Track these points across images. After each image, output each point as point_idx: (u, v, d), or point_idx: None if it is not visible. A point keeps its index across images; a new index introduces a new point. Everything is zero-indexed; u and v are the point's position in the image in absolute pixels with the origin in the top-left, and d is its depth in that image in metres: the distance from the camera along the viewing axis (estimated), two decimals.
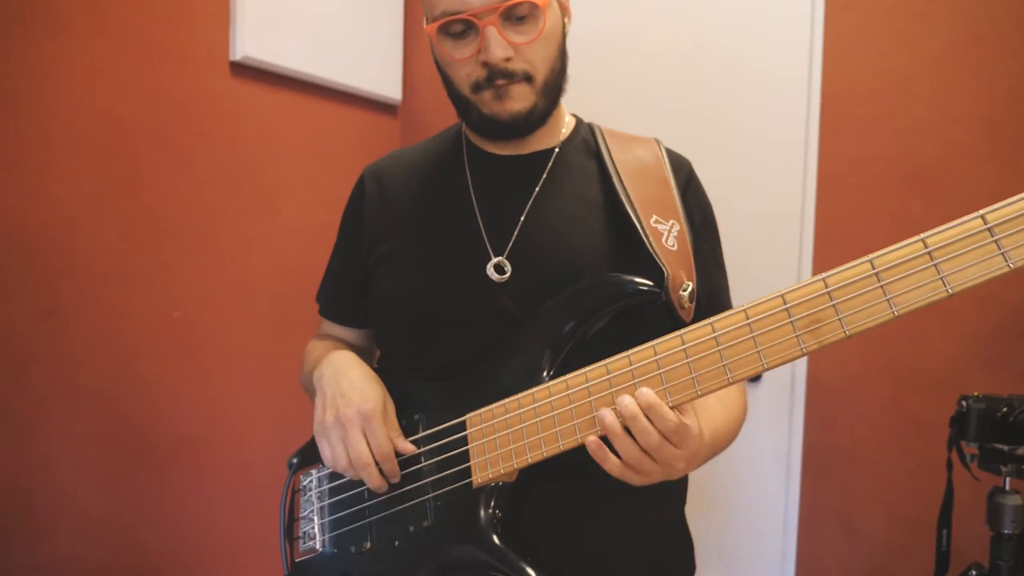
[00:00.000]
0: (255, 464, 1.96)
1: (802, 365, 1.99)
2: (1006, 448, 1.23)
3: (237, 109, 1.95)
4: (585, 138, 1.04)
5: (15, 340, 1.46)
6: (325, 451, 0.89)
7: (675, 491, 1.02)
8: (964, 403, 1.28)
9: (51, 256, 1.52)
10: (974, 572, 1.28)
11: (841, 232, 1.92)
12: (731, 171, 2.01)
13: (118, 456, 1.64)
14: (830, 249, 1.93)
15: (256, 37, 1.94)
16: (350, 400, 0.88)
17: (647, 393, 0.74)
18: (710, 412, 0.90)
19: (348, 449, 0.86)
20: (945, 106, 1.80)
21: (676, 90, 2.11)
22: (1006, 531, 1.25)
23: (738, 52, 2.04)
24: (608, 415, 0.75)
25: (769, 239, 2.00)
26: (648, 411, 0.74)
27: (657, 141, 1.04)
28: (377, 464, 0.87)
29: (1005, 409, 1.23)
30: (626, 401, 0.74)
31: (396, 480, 0.88)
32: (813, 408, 1.99)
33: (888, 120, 1.86)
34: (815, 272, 1.92)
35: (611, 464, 0.76)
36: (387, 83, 2.43)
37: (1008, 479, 1.25)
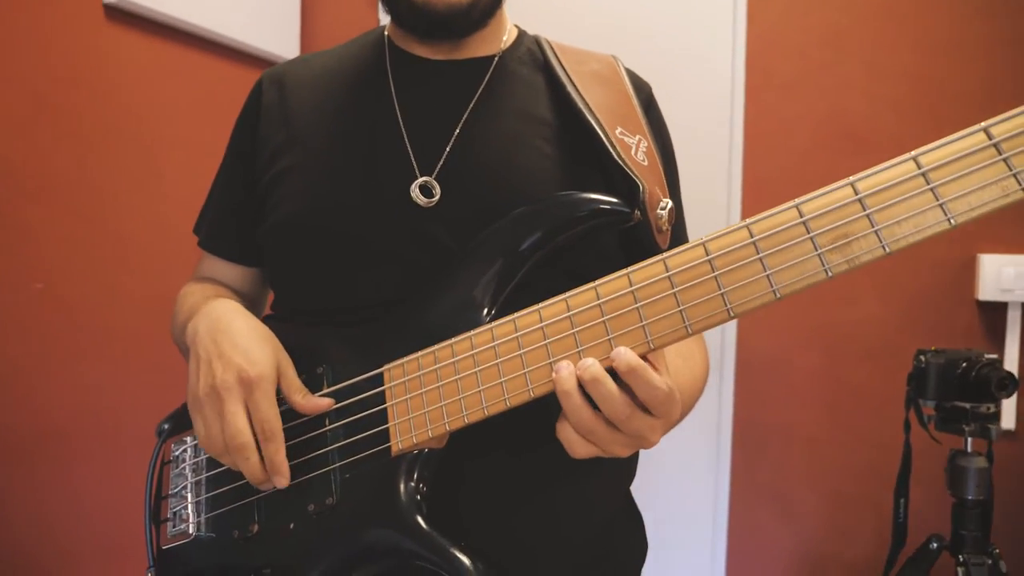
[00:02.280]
0: (130, 457, 1.71)
1: (731, 335, 1.90)
2: (968, 406, 1.14)
3: (111, 58, 1.70)
4: (531, 48, 0.88)
5: None
6: (199, 427, 0.69)
7: (629, 464, 0.87)
8: (922, 358, 1.19)
9: None
10: (935, 544, 1.19)
11: (770, 193, 1.84)
12: None
13: None
14: (758, 208, 1.85)
15: None
16: (230, 362, 0.68)
17: (625, 353, 0.57)
18: (674, 367, 0.73)
19: (224, 427, 0.66)
20: (873, 61, 1.74)
21: (596, 46, 1.99)
22: (969, 497, 1.16)
23: (662, 13, 1.93)
24: (565, 367, 0.59)
25: (696, 202, 1.89)
26: (628, 375, 0.57)
27: (615, 57, 0.90)
28: (259, 447, 0.67)
29: (965, 364, 1.14)
30: (588, 363, 0.58)
31: (282, 475, 0.67)
32: (743, 381, 1.90)
33: (816, 77, 1.79)
34: None
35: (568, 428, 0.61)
36: (283, 42, 2.21)
37: (970, 440, 1.17)
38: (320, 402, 0.69)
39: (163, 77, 1.85)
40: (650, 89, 0.91)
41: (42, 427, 1.55)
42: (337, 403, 0.69)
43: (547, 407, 0.62)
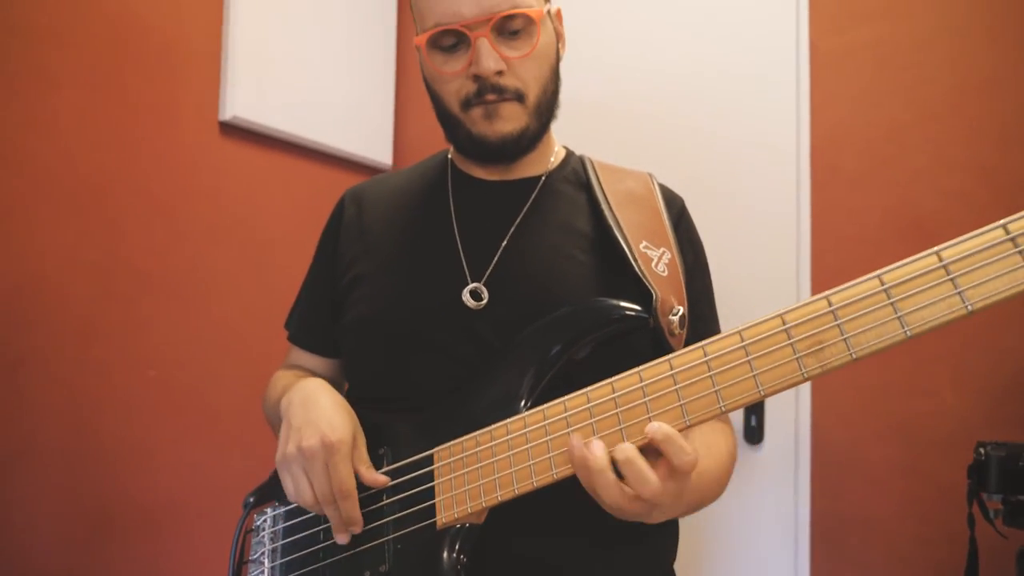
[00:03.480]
0: (230, 527, 1.84)
1: (805, 426, 1.90)
2: None
3: (224, 168, 1.93)
4: (575, 168, 1.00)
5: None
6: (287, 484, 0.81)
7: (665, 545, 0.92)
8: (982, 450, 1.19)
9: (20, 307, 1.46)
10: None
11: (840, 283, 1.86)
12: (724, 227, 1.97)
13: (82, 522, 1.54)
14: None
15: (246, 98, 1.93)
16: (317, 429, 0.79)
17: (660, 426, 0.65)
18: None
19: (312, 483, 0.78)
20: (940, 154, 1.77)
21: (663, 150, 2.09)
22: None
23: (725, 108, 2.03)
24: (598, 446, 0.66)
25: (766, 294, 1.94)
26: (663, 443, 0.64)
27: (650, 175, 1.00)
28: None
29: None
30: (626, 446, 0.65)
31: (356, 524, 0.79)
32: (819, 473, 1.88)
33: (882, 171, 1.83)
34: None
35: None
36: (378, 147, 2.42)
37: None
38: (380, 477, 0.79)
39: (268, 183, 2.06)
40: (682, 202, 1.00)
41: (156, 500, 1.69)
42: (394, 480, 0.79)
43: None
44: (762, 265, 1.95)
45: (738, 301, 1.82)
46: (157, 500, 1.70)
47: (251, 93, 1.95)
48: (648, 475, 0.64)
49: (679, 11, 2.11)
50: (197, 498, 1.79)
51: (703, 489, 0.81)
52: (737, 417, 1.94)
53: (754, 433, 1.92)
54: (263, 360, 1.95)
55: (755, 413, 1.92)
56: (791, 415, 1.90)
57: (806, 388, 1.88)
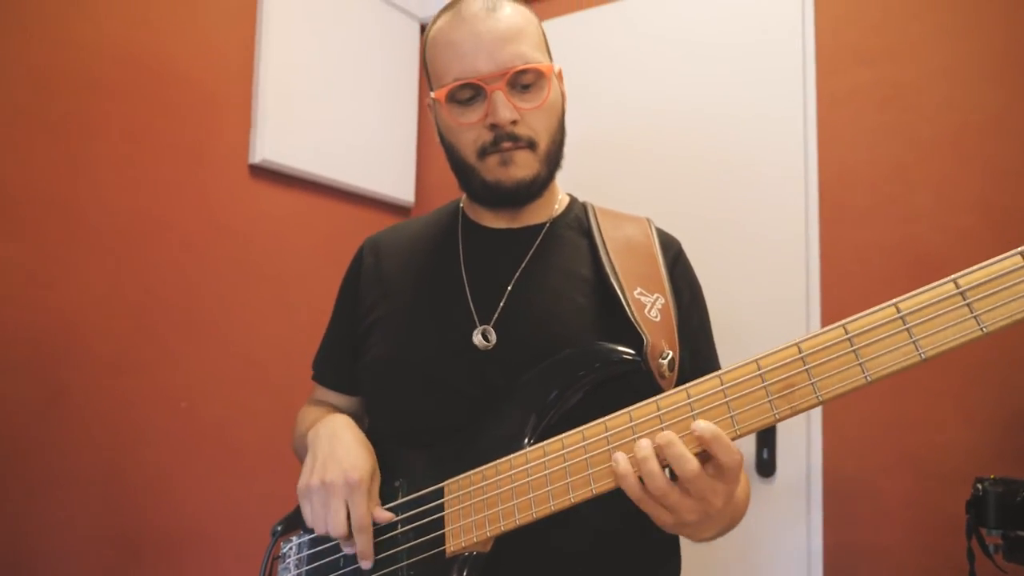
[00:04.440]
0: (257, 554, 1.91)
1: (817, 459, 1.93)
2: None
3: (253, 208, 2.02)
4: (578, 215, 1.07)
5: (16, 425, 1.48)
6: (306, 511, 0.88)
7: (666, 568, 0.98)
8: (980, 486, 1.22)
9: (58, 343, 1.55)
10: None
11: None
12: (734, 265, 2.03)
13: (116, 548, 1.62)
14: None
15: (275, 141, 2.03)
16: (340, 465, 0.87)
17: (708, 425, 0.69)
18: None
19: (328, 517, 0.85)
20: (943, 192, 1.81)
21: (674, 188, 2.16)
22: None
23: (733, 148, 2.09)
24: (622, 458, 0.71)
25: (777, 327, 1.98)
26: (712, 442, 0.69)
27: (648, 220, 1.06)
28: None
29: None
30: (666, 432, 0.70)
31: (368, 560, 0.85)
32: (831, 505, 1.91)
33: (887, 208, 1.88)
34: None
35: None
36: (400, 186, 2.51)
37: None
38: (385, 514, 0.87)
39: (295, 222, 2.14)
40: (678, 246, 1.06)
41: (186, 529, 1.76)
42: (408, 511, 0.86)
43: (582, 518, 0.75)
44: (773, 299, 2.00)
45: (750, 335, 1.88)
46: (184, 528, 1.77)
47: (279, 137, 2.05)
48: (689, 455, 0.69)
49: (689, 54, 2.19)
50: (222, 526, 1.86)
51: (741, 507, 0.86)
52: (750, 450, 1.98)
53: (766, 466, 1.95)
54: (286, 392, 2.03)
55: (767, 447, 1.95)
56: (802, 448, 1.93)
57: (817, 422, 1.92)
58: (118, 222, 1.67)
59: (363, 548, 0.85)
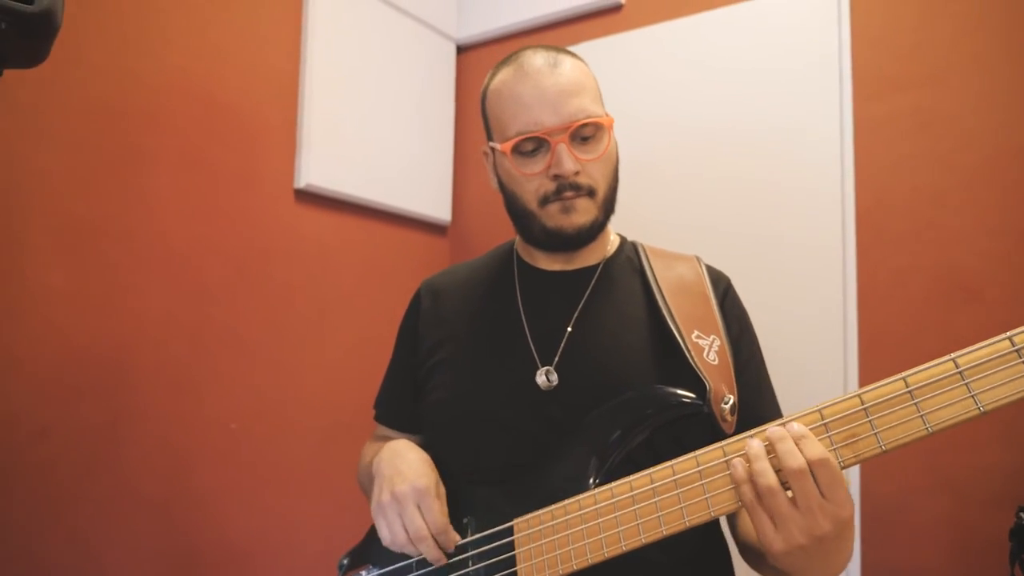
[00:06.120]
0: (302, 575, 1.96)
1: (855, 480, 1.95)
2: None
3: (299, 231, 2.08)
4: (629, 256, 1.10)
5: (83, 446, 1.54)
6: (383, 530, 0.91)
7: None
8: (1022, 514, 1.24)
9: (119, 366, 1.61)
10: None
11: (887, 342, 1.92)
12: (772, 290, 2.05)
13: (171, 566, 1.67)
14: (876, 359, 1.93)
15: (319, 167, 2.09)
16: (405, 477, 0.91)
17: (796, 426, 0.73)
18: None
19: (405, 524, 0.89)
20: (980, 217, 1.83)
21: (715, 215, 2.18)
22: None
23: (771, 174, 2.11)
24: (739, 463, 0.74)
25: (815, 352, 2.01)
26: (799, 441, 0.71)
27: (697, 258, 1.10)
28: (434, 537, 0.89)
29: None
30: (754, 443, 0.74)
31: (451, 550, 0.89)
32: (868, 527, 1.93)
33: (925, 233, 1.90)
34: (862, 382, 1.92)
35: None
36: (438, 206, 2.56)
37: None
38: (454, 535, 0.90)
39: (338, 243, 2.20)
40: (728, 281, 1.09)
41: (232, 548, 1.82)
42: (478, 548, 0.90)
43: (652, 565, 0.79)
44: (811, 324, 2.02)
45: (788, 360, 1.89)
46: (236, 546, 1.82)
47: (323, 162, 2.11)
48: (797, 452, 0.71)
49: (726, 79, 2.22)
50: (270, 545, 1.91)
51: (845, 554, 0.82)
52: None
53: None
54: (332, 410, 2.08)
55: None
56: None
57: None
58: (173, 248, 1.73)
59: (446, 542, 0.89)
